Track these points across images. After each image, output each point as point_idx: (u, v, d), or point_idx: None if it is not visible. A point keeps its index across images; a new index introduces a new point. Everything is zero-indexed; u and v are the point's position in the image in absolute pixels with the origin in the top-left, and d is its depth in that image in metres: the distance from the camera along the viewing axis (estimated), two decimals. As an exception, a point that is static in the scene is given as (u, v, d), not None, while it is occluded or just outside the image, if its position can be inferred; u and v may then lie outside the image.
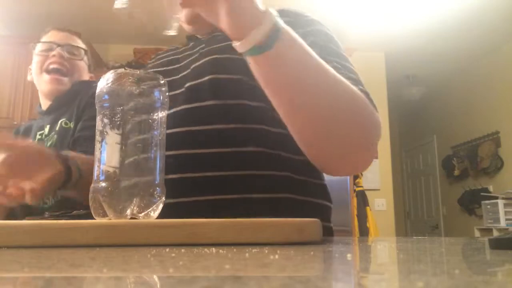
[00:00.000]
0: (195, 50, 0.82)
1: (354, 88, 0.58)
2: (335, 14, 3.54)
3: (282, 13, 0.75)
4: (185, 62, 0.81)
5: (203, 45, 0.81)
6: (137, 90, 0.52)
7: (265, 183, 0.69)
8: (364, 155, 0.62)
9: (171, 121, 0.69)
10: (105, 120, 0.52)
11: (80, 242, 0.41)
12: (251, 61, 0.52)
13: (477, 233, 4.27)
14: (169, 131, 0.66)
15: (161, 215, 0.52)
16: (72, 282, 0.21)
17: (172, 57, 0.85)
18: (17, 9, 3.54)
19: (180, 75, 0.79)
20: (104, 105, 0.52)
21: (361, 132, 0.59)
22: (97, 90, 0.53)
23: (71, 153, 0.78)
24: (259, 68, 0.52)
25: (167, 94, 0.55)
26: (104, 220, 0.48)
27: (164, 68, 0.83)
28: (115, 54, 4.02)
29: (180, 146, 0.70)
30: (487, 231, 3.97)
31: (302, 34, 0.59)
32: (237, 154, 0.69)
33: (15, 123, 3.29)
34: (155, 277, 0.23)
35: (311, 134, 0.58)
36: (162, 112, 0.54)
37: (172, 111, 0.72)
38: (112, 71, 0.53)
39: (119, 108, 0.51)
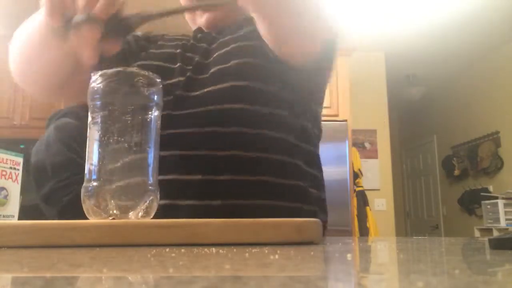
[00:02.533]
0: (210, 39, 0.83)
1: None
2: (335, 14, 3.54)
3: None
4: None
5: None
6: (130, 89, 0.51)
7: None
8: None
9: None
10: (96, 119, 0.51)
11: (80, 242, 0.41)
12: None
13: (477, 233, 4.27)
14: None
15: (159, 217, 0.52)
16: (72, 282, 0.21)
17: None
18: (17, 9, 3.54)
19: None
20: (95, 103, 0.51)
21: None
22: (89, 87, 0.52)
23: None
24: None
25: (161, 92, 0.55)
26: (104, 220, 0.48)
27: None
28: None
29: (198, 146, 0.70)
30: (487, 231, 3.97)
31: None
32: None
33: (15, 123, 3.30)
34: (155, 277, 0.23)
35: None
36: (156, 111, 0.54)
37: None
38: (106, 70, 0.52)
39: (110, 106, 0.51)
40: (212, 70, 0.76)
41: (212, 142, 0.70)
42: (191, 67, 0.78)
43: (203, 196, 0.68)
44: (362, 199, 3.55)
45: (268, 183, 0.71)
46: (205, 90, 0.73)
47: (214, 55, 0.78)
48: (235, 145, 0.70)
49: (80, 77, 0.64)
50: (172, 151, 0.69)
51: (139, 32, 0.89)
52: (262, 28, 0.69)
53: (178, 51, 0.82)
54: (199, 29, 0.88)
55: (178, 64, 0.79)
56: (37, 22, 0.66)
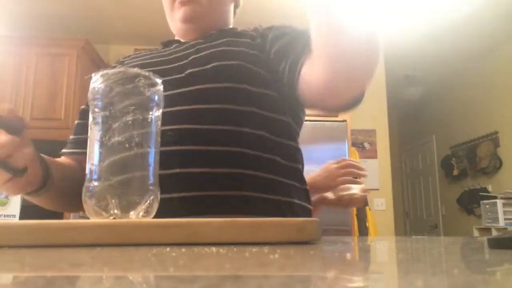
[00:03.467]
0: (188, 46, 0.85)
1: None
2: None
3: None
4: (178, 55, 0.83)
5: (199, 43, 0.84)
6: (131, 89, 0.51)
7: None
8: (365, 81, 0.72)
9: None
10: (97, 119, 0.51)
11: (80, 241, 0.41)
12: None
13: (476, 233, 4.27)
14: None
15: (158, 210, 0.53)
16: (73, 281, 0.21)
17: (158, 57, 0.86)
18: (17, 9, 3.54)
19: (176, 64, 0.81)
20: (96, 103, 0.52)
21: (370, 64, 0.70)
22: (90, 88, 0.52)
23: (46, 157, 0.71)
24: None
25: (162, 92, 0.55)
26: (105, 220, 0.48)
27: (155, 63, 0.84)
28: (116, 55, 4.02)
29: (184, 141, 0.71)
30: (486, 230, 3.97)
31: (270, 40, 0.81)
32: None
33: (15, 123, 3.29)
34: (155, 276, 0.23)
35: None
36: (157, 111, 0.54)
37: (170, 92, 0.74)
38: (107, 69, 0.53)
39: (110, 107, 0.51)
40: (188, 71, 0.78)
41: (188, 139, 0.72)
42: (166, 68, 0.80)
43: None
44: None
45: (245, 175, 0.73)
46: (179, 90, 0.75)
47: (190, 58, 0.80)
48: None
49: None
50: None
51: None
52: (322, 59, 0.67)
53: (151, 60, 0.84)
54: (169, 41, 0.92)
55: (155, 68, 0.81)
56: None
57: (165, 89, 0.75)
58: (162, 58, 0.84)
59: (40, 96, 3.44)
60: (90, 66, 3.70)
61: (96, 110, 0.52)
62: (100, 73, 0.52)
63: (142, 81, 0.52)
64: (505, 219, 3.75)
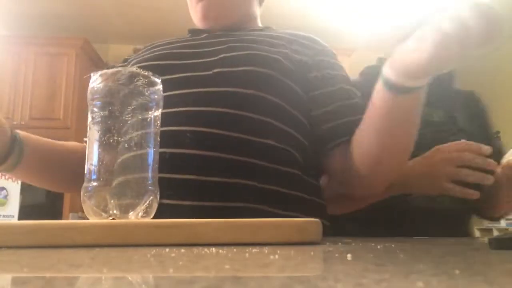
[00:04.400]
0: (216, 41, 0.81)
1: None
2: (335, 14, 3.54)
3: (298, 36, 0.84)
4: (207, 49, 0.80)
5: (230, 40, 0.80)
6: (130, 89, 0.51)
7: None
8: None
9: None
10: (96, 119, 0.51)
11: (80, 242, 0.41)
12: (400, 97, 0.61)
13: (477, 233, 4.27)
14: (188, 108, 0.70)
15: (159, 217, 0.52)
16: (72, 282, 0.21)
17: (180, 47, 0.83)
18: (17, 9, 3.54)
19: (205, 59, 0.77)
20: (95, 103, 0.51)
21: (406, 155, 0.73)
22: (89, 87, 0.52)
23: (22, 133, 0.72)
24: (403, 102, 0.62)
25: (161, 92, 0.55)
26: (104, 220, 0.48)
27: (180, 51, 0.81)
28: (115, 54, 4.02)
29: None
30: (487, 231, 3.97)
31: (321, 61, 0.81)
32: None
33: (15, 123, 3.29)
34: (155, 277, 0.23)
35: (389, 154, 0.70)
36: (156, 111, 0.54)
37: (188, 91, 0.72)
38: (106, 70, 0.52)
39: (109, 107, 0.51)
40: (216, 70, 0.74)
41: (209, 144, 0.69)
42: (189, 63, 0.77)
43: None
44: (362, 199, 3.55)
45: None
46: (205, 89, 0.73)
47: (220, 56, 0.77)
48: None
49: None
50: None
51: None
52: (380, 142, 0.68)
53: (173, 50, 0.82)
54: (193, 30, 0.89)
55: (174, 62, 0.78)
56: None
57: (187, 86, 0.73)
58: (189, 50, 0.80)
59: (38, 95, 3.45)
60: (89, 66, 3.70)
61: (95, 109, 0.52)
62: (99, 72, 0.52)
63: (141, 80, 0.52)
64: (506, 219, 3.74)
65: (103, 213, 0.49)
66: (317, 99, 0.78)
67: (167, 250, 0.36)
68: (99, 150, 0.51)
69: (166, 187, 0.58)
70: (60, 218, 3.10)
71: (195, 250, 0.36)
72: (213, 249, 0.36)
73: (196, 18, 0.87)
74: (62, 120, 3.47)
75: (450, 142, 0.82)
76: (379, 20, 3.65)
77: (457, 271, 0.24)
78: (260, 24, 0.94)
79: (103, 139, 0.50)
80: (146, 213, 0.51)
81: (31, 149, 0.71)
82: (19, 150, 0.69)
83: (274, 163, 0.70)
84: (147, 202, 0.51)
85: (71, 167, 0.75)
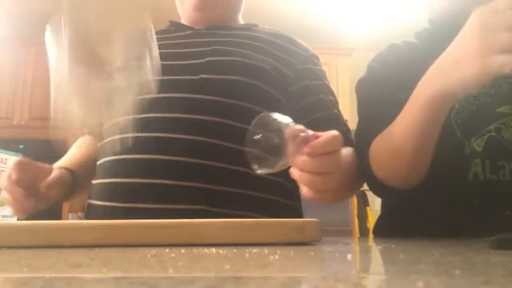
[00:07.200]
0: (201, 41, 0.81)
1: None
2: (334, 14, 3.54)
3: (277, 36, 0.85)
4: (192, 50, 0.79)
5: (212, 39, 0.80)
6: None
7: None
8: None
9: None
10: None
11: (80, 242, 0.41)
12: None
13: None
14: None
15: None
16: (71, 282, 0.21)
17: (165, 46, 0.81)
18: (17, 9, 3.54)
19: (190, 61, 0.77)
20: None
21: None
22: None
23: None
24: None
25: None
26: (104, 220, 0.48)
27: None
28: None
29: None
30: (487, 231, 3.97)
31: (303, 70, 0.83)
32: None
33: (15, 123, 3.29)
34: (155, 277, 0.23)
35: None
36: None
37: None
38: None
39: None
40: (202, 76, 0.75)
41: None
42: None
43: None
44: (362, 199, 3.55)
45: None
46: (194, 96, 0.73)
47: (206, 59, 0.77)
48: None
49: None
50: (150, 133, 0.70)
51: None
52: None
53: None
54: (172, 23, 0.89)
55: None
56: None
57: (174, 90, 0.74)
58: (174, 50, 0.79)
59: (38, 95, 3.44)
60: (90, 66, 3.70)
61: None
62: None
63: None
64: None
65: None
66: (297, 111, 0.79)
67: (167, 250, 0.36)
68: None
69: (146, 192, 0.66)
70: (60, 218, 3.10)
71: (195, 250, 0.36)
72: (213, 249, 0.36)
73: (186, 8, 0.85)
74: (62, 120, 3.47)
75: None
76: (379, 20, 3.65)
77: (457, 271, 0.24)
78: (241, 20, 0.93)
79: None
80: None
81: (83, 179, 0.79)
82: (78, 187, 0.79)
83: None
84: None
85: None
